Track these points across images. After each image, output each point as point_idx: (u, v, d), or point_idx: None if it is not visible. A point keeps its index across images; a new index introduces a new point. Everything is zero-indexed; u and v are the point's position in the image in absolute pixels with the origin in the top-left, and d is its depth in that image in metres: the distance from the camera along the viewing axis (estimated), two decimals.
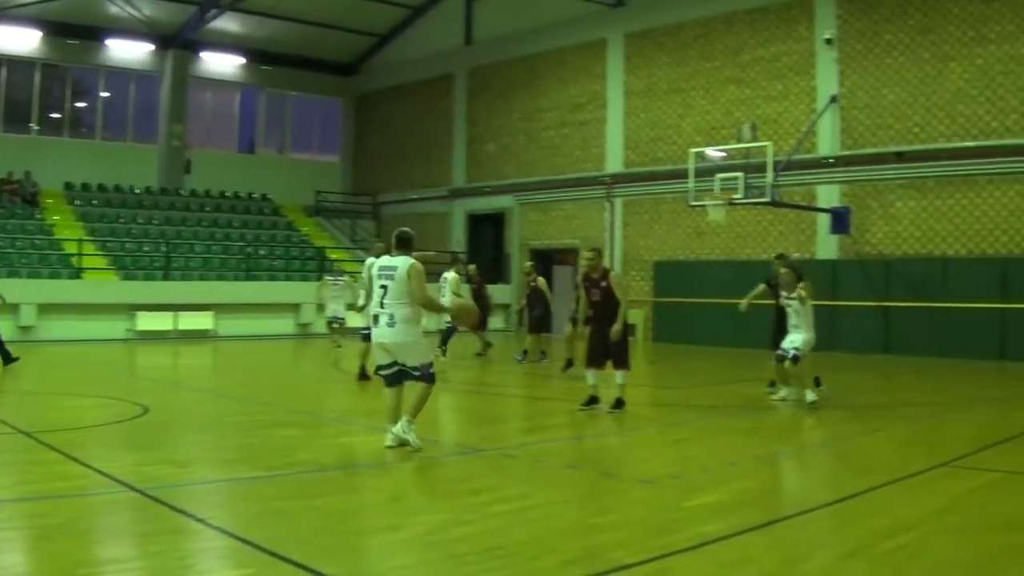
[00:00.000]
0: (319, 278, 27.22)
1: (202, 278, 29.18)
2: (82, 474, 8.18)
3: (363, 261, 34.16)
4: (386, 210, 39.00)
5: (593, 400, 12.58)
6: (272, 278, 30.54)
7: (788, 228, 26.44)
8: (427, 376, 9.42)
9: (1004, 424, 12.21)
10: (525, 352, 20.59)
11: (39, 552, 5.94)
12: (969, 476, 8.70)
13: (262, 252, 32.64)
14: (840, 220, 25.10)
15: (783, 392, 13.90)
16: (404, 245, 9.50)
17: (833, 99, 25.55)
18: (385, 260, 9.50)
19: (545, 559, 5.82)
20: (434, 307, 10.30)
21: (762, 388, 14.96)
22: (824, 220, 25.46)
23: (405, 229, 9.61)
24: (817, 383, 13.91)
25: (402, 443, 9.32)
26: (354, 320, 19.70)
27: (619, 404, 12.47)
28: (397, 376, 9.54)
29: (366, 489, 8.20)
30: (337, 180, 40.62)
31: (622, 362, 12.44)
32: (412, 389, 9.53)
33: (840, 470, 9.50)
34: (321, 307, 24.06)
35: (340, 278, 24.12)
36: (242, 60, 37.37)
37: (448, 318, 20.04)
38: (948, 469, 8.94)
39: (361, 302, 14.46)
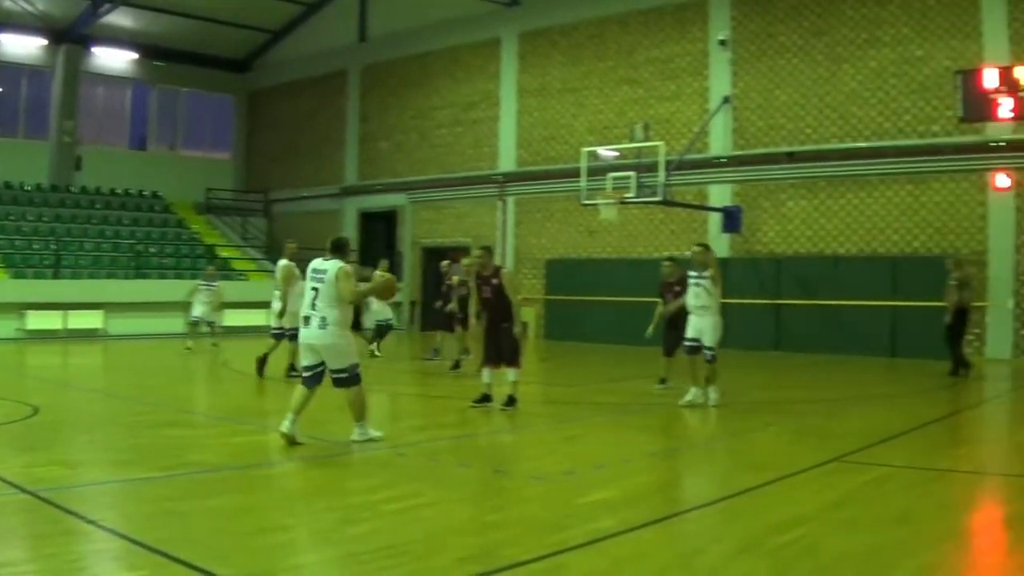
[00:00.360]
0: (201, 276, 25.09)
1: (92, 276, 27.71)
2: None
3: (254, 259, 32.89)
4: (277, 208, 37.00)
5: (486, 398, 12.12)
6: (162, 276, 29.07)
7: (680, 227, 25.37)
8: (354, 377, 9.27)
9: (894, 420, 11.83)
10: (435, 350, 19.59)
11: None
12: (860, 471, 8.51)
13: (152, 250, 31.11)
14: (731, 219, 24.17)
15: (691, 395, 12.65)
16: (337, 250, 9.38)
17: (726, 100, 24.62)
18: (317, 263, 9.35)
19: (439, 557, 5.66)
20: (363, 294, 10.04)
21: (652, 385, 14.50)
22: (716, 219, 24.54)
23: (341, 235, 9.69)
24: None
25: (288, 439, 9.21)
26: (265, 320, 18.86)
27: (511, 402, 12.01)
28: (318, 377, 9.37)
29: (258, 489, 7.75)
30: (229, 177, 38.46)
31: (514, 360, 11.97)
32: (345, 398, 9.41)
33: (732, 466, 9.27)
34: (189, 306, 22.33)
35: (212, 283, 22.47)
36: (134, 55, 35.01)
37: (382, 317, 19.92)
38: (839, 464, 8.75)
39: (277, 305, 14.86)
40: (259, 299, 26.08)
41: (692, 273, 12.66)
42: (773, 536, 6.15)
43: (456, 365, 17.31)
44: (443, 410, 13.22)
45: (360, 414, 9.41)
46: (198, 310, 22.05)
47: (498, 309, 11.89)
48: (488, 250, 12.39)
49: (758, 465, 8.81)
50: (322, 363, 9.27)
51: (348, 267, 9.20)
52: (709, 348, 12.42)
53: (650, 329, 14.58)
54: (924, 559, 5.70)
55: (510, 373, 11.97)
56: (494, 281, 11.91)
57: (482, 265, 12.10)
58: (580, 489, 7.60)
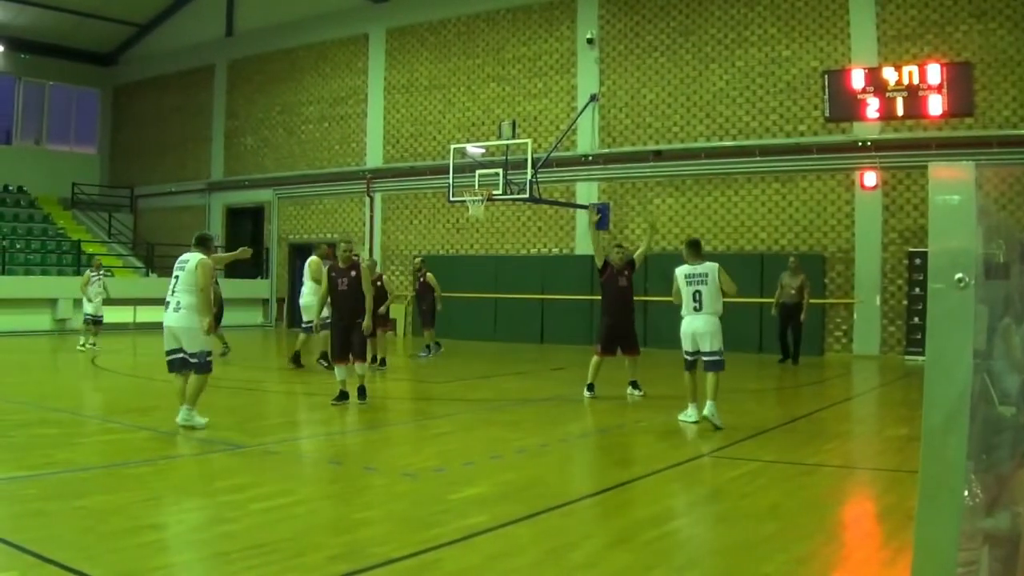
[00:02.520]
0: (82, 272, 22.38)
1: None
2: None
3: (120, 255, 29.40)
4: (144, 203, 33.31)
5: (344, 396, 11.24)
6: (28, 272, 26.06)
7: (548, 224, 23.18)
8: (203, 364, 9.21)
9: (764, 415, 11.26)
10: (427, 347, 18.14)
11: None
12: (732, 466, 8.01)
13: (18, 246, 27.60)
14: (599, 217, 21.63)
15: (690, 411, 10.15)
16: (199, 244, 9.51)
17: (593, 98, 22.41)
18: (185, 255, 9.34)
19: (309, 555, 5.12)
20: (205, 300, 9.28)
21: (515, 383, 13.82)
22: (583, 216, 22.08)
23: (205, 232, 9.85)
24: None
25: (191, 427, 9.17)
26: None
27: (362, 393, 11.35)
28: (178, 363, 9.31)
29: (127, 488, 6.86)
30: (95, 172, 34.64)
31: (361, 354, 11.26)
32: (189, 377, 9.29)
33: (603, 462, 8.78)
34: (81, 302, 19.51)
35: (100, 272, 19.84)
36: (0, 48, 31.14)
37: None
38: (710, 459, 8.36)
39: (310, 299, 14.69)
40: (124, 296, 23.92)
41: (688, 263, 10.43)
42: (645, 530, 5.81)
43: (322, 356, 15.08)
44: (312, 407, 12.06)
45: (193, 399, 9.24)
46: (90, 307, 19.09)
47: (354, 303, 11.15)
48: (351, 244, 11.67)
49: (629, 460, 8.55)
50: (180, 348, 9.21)
51: (208, 261, 9.20)
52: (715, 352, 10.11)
53: None
54: (796, 552, 5.29)
55: (358, 367, 11.30)
56: (352, 273, 11.22)
57: (346, 259, 11.34)
58: (451, 485, 7.07)
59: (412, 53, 25.75)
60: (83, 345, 18.71)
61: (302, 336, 15.37)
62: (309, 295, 14.91)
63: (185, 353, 9.21)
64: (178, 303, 9.13)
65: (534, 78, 23.47)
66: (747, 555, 5.25)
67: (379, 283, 15.62)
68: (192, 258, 9.22)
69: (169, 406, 10.95)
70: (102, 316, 19.52)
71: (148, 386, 13.61)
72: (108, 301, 20.01)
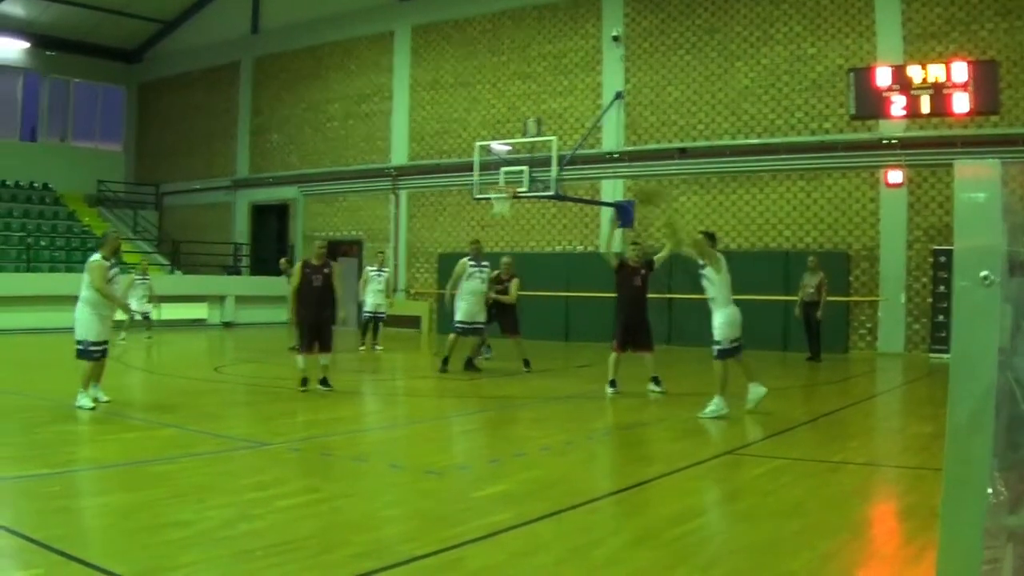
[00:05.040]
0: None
1: None
2: None
3: (145, 252, 29.64)
4: (169, 200, 33.55)
5: (305, 381, 11.94)
6: (53, 269, 25.83)
7: (572, 222, 23.21)
8: (83, 352, 10.23)
9: (788, 413, 11.02)
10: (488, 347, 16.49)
11: None
12: (756, 463, 7.95)
13: (43, 243, 27.73)
14: (624, 214, 21.69)
15: (712, 406, 10.25)
16: (99, 247, 10.79)
17: (618, 95, 22.42)
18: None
19: (334, 553, 5.09)
20: (107, 296, 10.48)
21: (539, 379, 13.90)
22: (608, 214, 21.95)
23: (107, 232, 10.05)
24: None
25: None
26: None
27: (324, 383, 11.89)
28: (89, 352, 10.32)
29: (151, 486, 6.82)
30: (120, 170, 34.87)
31: (327, 346, 11.86)
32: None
33: (626, 459, 8.69)
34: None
35: (146, 277, 20.54)
36: (25, 45, 31.59)
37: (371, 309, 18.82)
38: (734, 457, 8.26)
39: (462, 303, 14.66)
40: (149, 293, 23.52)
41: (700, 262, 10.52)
42: (669, 528, 5.77)
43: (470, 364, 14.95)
44: (336, 404, 11.84)
45: (84, 383, 10.28)
46: (134, 304, 19.28)
47: (326, 299, 11.81)
48: (327, 243, 12.41)
49: (652, 458, 8.49)
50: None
51: (101, 262, 10.26)
52: (716, 343, 10.26)
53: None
54: (820, 550, 5.26)
55: (322, 358, 11.82)
56: (325, 271, 11.80)
57: (317, 256, 11.92)
58: (475, 483, 7.12)
59: (437, 50, 25.82)
60: (123, 339, 18.94)
61: (452, 337, 14.83)
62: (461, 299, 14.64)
63: (78, 341, 10.35)
64: (79, 298, 10.31)
65: (559, 75, 23.49)
66: (771, 553, 5.22)
67: (508, 283, 15.29)
68: (89, 259, 10.47)
69: (192, 403, 11.27)
70: (148, 312, 20.28)
71: (171, 383, 13.62)
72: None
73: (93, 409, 10.21)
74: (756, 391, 10.36)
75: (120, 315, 19.32)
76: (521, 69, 24.15)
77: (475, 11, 25.05)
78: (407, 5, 26.50)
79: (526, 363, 15.03)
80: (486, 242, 23.56)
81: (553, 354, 18.73)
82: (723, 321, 10.19)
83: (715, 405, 10.13)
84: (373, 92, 27.14)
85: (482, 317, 14.74)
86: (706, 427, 9.88)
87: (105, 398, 10.66)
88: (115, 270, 10.93)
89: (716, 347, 10.23)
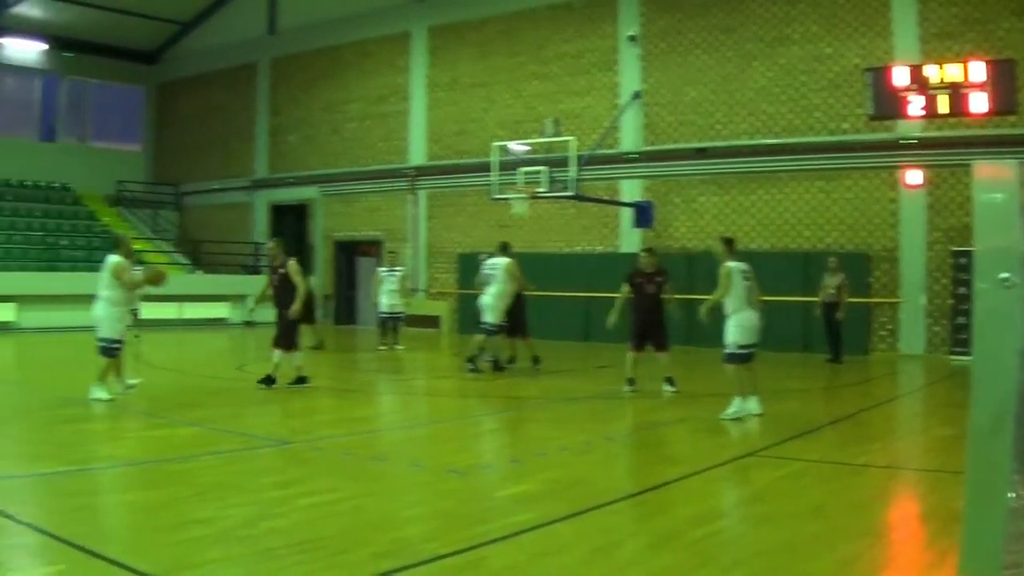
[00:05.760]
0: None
1: (3, 269, 24.87)
2: None
3: (165, 252, 29.88)
4: (188, 200, 33.79)
5: (270, 379, 12.25)
6: (74, 269, 25.93)
7: (591, 222, 23.26)
8: (108, 350, 10.87)
9: (808, 415, 11.22)
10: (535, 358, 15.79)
11: None
12: (777, 465, 7.97)
13: (64, 242, 28.15)
14: (643, 214, 22.14)
15: (732, 407, 10.35)
16: (113, 246, 11.47)
17: (636, 95, 22.46)
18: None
19: (355, 552, 5.15)
20: (134, 284, 11.16)
21: (559, 380, 14.18)
22: (627, 214, 22.54)
23: (118, 235, 11.05)
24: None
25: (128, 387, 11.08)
26: None
27: (301, 380, 12.31)
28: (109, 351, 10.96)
29: (174, 483, 6.93)
30: (139, 170, 35.13)
31: (291, 344, 12.29)
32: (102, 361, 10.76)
33: (648, 460, 8.77)
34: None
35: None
36: (44, 46, 31.90)
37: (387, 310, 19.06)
38: (756, 459, 8.26)
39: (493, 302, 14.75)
40: (171, 292, 23.50)
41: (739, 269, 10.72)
42: (691, 529, 5.83)
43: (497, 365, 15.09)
44: (357, 404, 12.33)
45: (102, 376, 10.89)
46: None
47: (284, 297, 12.20)
48: (278, 243, 12.71)
49: (674, 459, 8.55)
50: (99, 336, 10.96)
51: (123, 261, 10.94)
52: (725, 347, 10.42)
53: (612, 318, 12.61)
54: (842, 552, 5.28)
55: (275, 355, 12.24)
56: (281, 271, 12.22)
57: (273, 256, 12.42)
58: (497, 483, 7.24)
59: (454, 51, 25.93)
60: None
61: (479, 338, 14.93)
62: (494, 296, 14.78)
63: (96, 337, 11.04)
64: (98, 297, 10.95)
65: (576, 75, 23.52)
66: (792, 555, 5.26)
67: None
68: (109, 260, 11.06)
69: (214, 402, 11.54)
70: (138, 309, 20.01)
71: (193, 382, 13.83)
72: (154, 298, 20.38)
73: (112, 400, 10.73)
74: (743, 406, 10.25)
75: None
76: (538, 69, 24.20)
77: (491, 11, 25.13)
78: (423, 6, 26.61)
79: (536, 360, 15.36)
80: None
81: (572, 355, 18.81)
82: (732, 326, 10.33)
83: (734, 407, 10.25)
84: (390, 92, 27.26)
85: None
86: (727, 428, 9.91)
87: (133, 381, 11.48)
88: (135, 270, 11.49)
89: (725, 351, 10.41)
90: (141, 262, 21.24)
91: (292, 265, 12.27)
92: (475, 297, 16.32)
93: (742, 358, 10.32)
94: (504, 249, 15.15)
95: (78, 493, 6.58)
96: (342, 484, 7.02)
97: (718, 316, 10.52)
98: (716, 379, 11.50)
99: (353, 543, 5.37)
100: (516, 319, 15.33)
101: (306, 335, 16.08)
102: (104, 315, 11.03)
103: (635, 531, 5.98)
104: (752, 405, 10.35)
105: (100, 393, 10.87)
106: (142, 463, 7.93)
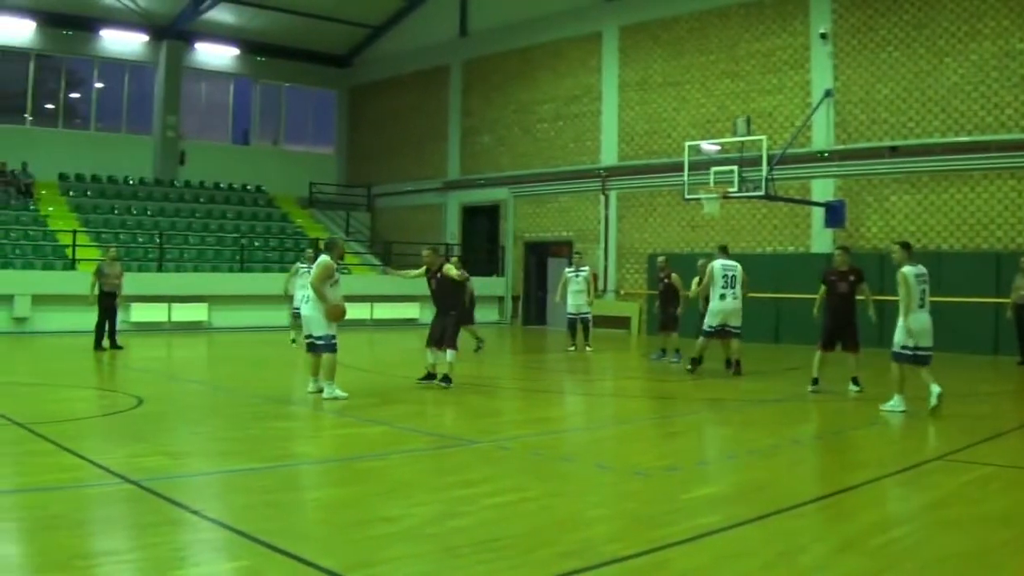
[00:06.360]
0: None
1: (196, 270, 28.92)
2: (77, 465, 8.11)
3: (358, 253, 34.68)
4: (381, 202, 38.95)
5: (430, 376, 14.24)
6: (266, 270, 30.17)
7: (783, 222, 26.44)
8: (328, 346, 12.57)
9: (998, 418, 12.22)
10: (662, 351, 19.93)
11: (36, 543, 5.89)
12: (964, 470, 8.64)
13: (256, 244, 32.45)
14: (835, 214, 24.99)
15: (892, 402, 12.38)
16: (326, 248, 13.27)
17: (828, 93, 25.49)
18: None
19: (540, 551, 5.77)
20: (321, 294, 12.60)
21: (748, 382, 15.42)
22: (818, 214, 25.44)
23: (332, 236, 12.11)
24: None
25: (319, 390, 12.68)
26: None
27: (446, 380, 13.89)
28: (310, 346, 12.85)
29: (361, 481, 8.03)
30: (332, 172, 40.44)
31: (452, 343, 14.10)
32: (322, 360, 12.56)
33: (835, 463, 9.50)
34: (290, 297, 21.51)
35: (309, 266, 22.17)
36: (236, 51, 37.25)
37: (574, 311, 21.85)
38: (942, 463, 8.91)
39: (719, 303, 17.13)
40: (362, 292, 27.85)
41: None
42: (875, 535, 6.31)
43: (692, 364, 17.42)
44: (545, 404, 13.75)
45: (330, 375, 12.50)
46: (299, 299, 20.52)
47: (443, 299, 14.28)
48: (435, 249, 14.75)
49: (861, 463, 9.19)
50: (310, 334, 12.70)
51: (328, 264, 12.53)
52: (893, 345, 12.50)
53: (815, 311, 14.95)
54: None
55: (448, 354, 13.97)
56: (439, 275, 14.06)
57: (430, 263, 14.26)
58: (683, 485, 7.89)
59: (645, 50, 29.74)
60: (294, 340, 20.58)
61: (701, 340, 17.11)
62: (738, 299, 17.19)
63: (307, 335, 12.83)
64: (307, 296, 12.77)
65: (768, 74, 26.86)
66: (979, 563, 5.71)
67: (667, 280, 19.68)
68: (318, 260, 12.82)
69: (405, 400, 12.98)
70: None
71: (385, 382, 15.34)
72: (347, 299, 23.86)
73: (347, 397, 12.44)
74: (897, 400, 12.27)
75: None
76: (729, 68, 27.66)
77: (682, 10, 28.74)
78: (614, 5, 30.50)
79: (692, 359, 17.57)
80: (696, 243, 27.50)
81: (763, 356, 20.44)
82: (899, 326, 12.26)
83: (893, 402, 12.22)
84: (582, 93, 31.39)
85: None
86: (914, 431, 11.11)
87: (312, 388, 12.99)
88: (337, 274, 12.85)
89: (892, 350, 12.34)
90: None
91: (449, 268, 13.99)
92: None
93: (914, 359, 12.09)
94: (724, 251, 17.62)
95: (266, 490, 7.32)
96: (528, 483, 7.75)
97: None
98: (907, 383, 12.36)
99: (537, 542, 5.95)
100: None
101: (465, 336, 18.00)
102: (312, 314, 12.61)
103: (820, 535, 6.47)
104: (935, 388, 11.81)
105: (336, 391, 12.49)
106: (331, 461, 8.90)
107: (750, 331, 24.17)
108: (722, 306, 16.62)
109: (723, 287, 16.66)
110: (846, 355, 14.15)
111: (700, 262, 18.20)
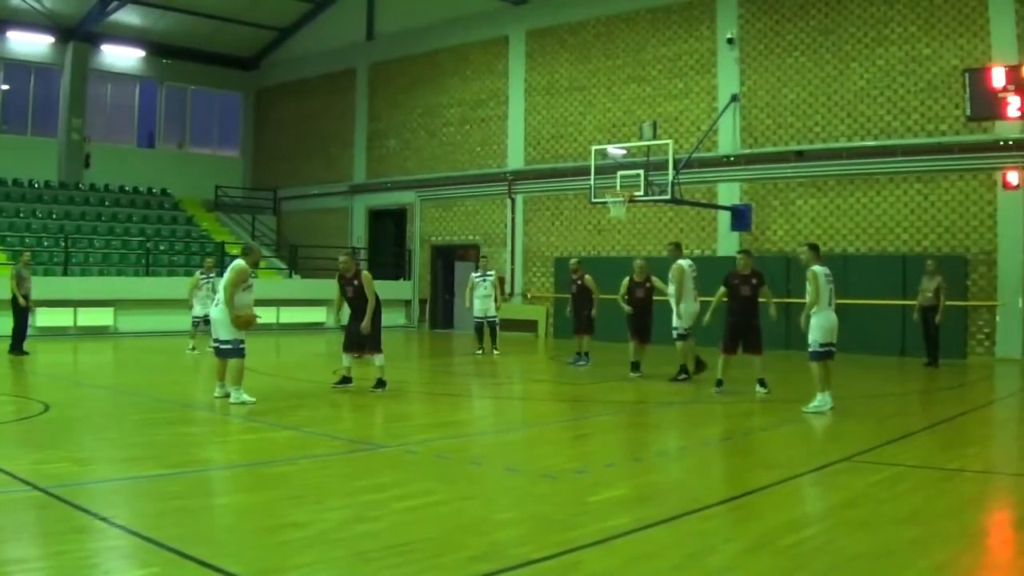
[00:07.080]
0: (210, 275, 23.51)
1: (102, 274, 27.67)
2: None
3: (263, 257, 32.62)
4: (287, 205, 37.10)
5: (346, 380, 13.78)
6: (172, 273, 28.93)
7: (689, 225, 25.48)
8: (232, 351, 12.12)
9: (905, 419, 12.11)
10: (579, 354, 18.93)
11: None
12: (872, 470, 8.51)
13: (162, 247, 31.08)
14: (741, 218, 24.22)
15: (815, 402, 12.23)
16: (243, 253, 12.72)
17: (734, 98, 24.59)
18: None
19: (450, 555, 5.65)
20: (230, 301, 12.04)
21: (656, 384, 14.92)
22: (725, 218, 24.59)
23: (249, 243, 12.17)
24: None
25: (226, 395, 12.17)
26: None
27: (381, 384, 13.47)
28: (217, 351, 12.34)
29: (270, 486, 7.70)
30: (238, 175, 38.54)
31: (375, 347, 13.48)
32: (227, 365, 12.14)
33: (743, 465, 9.33)
34: (191, 305, 20.73)
35: (211, 276, 20.87)
36: (142, 53, 35.15)
37: (480, 315, 21.13)
38: (851, 463, 8.77)
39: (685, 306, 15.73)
40: (269, 296, 26.35)
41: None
42: (785, 535, 6.21)
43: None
44: (451, 408, 13.33)
45: (236, 379, 12.03)
46: (198, 308, 20.13)
47: (359, 304, 13.46)
48: (350, 254, 14.12)
49: (769, 464, 8.98)
50: (216, 338, 12.23)
51: (244, 268, 12.10)
52: (808, 345, 12.37)
53: (708, 318, 14.51)
54: (936, 558, 5.71)
55: (376, 359, 13.47)
56: (355, 282, 13.42)
57: (345, 268, 13.55)
58: (592, 487, 7.66)
59: (552, 55, 28.49)
60: (193, 348, 19.99)
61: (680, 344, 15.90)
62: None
63: (213, 339, 12.34)
64: (216, 299, 12.33)
65: (674, 78, 25.83)
66: (887, 561, 5.65)
67: (580, 282, 18.55)
68: (230, 267, 12.22)
69: (311, 406, 12.60)
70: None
71: (293, 386, 14.79)
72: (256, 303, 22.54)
73: (254, 402, 12.03)
74: (824, 399, 12.09)
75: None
76: (636, 72, 26.56)
77: (589, 14, 27.57)
78: (521, 9, 29.21)
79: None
80: (603, 246, 26.27)
81: (668, 358, 19.76)
82: (816, 325, 12.09)
83: (817, 401, 12.02)
84: (488, 97, 30.03)
85: None
86: (821, 433, 10.98)
87: (219, 393, 12.47)
88: (251, 279, 12.39)
89: (810, 349, 12.17)
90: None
91: (366, 276, 13.46)
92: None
93: (826, 355, 12.06)
94: (678, 248, 16.99)
95: (174, 496, 7.11)
96: (437, 487, 7.56)
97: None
98: (811, 383, 12.49)
99: (448, 546, 5.82)
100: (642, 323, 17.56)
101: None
102: (220, 317, 12.14)
103: (730, 536, 6.35)
104: (829, 399, 11.99)
105: (243, 396, 12.04)
106: (239, 466, 8.68)
107: (656, 334, 23.26)
108: (695, 308, 15.54)
109: (692, 288, 15.74)
110: (750, 357, 13.90)
111: (638, 262, 17.34)
